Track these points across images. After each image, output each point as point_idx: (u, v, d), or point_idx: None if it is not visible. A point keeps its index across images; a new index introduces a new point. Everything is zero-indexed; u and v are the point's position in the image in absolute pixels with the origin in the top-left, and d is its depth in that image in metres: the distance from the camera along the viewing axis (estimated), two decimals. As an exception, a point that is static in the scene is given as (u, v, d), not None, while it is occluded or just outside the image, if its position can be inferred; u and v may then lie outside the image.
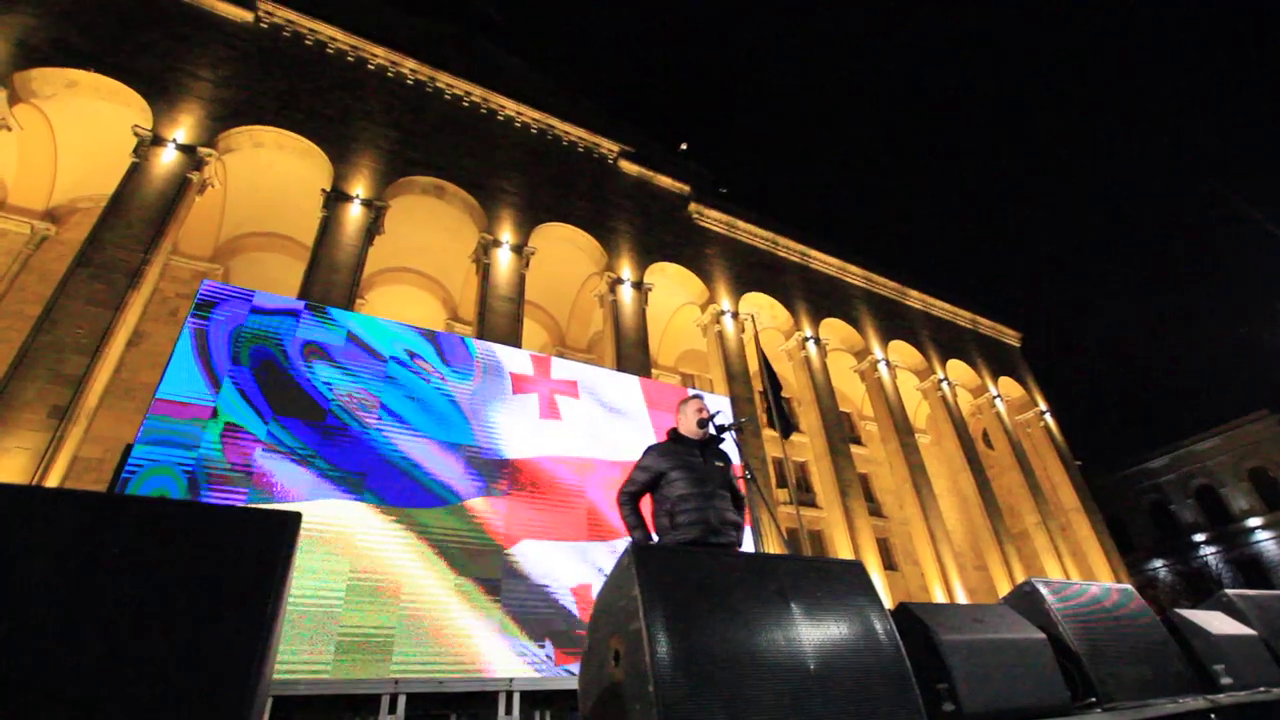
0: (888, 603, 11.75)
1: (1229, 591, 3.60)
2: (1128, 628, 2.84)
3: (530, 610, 6.40)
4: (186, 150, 12.71)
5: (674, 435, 3.91)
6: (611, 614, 1.94)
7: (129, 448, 5.61)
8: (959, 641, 2.27)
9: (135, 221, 11.60)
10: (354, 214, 14.16)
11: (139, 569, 1.31)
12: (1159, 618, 3.04)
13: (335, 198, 14.10)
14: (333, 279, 13.19)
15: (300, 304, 7.07)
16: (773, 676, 1.88)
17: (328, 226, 13.73)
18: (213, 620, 1.32)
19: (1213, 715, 2.13)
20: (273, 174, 15.43)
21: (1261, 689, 2.83)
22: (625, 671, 1.81)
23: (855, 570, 2.28)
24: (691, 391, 9.94)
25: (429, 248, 18.13)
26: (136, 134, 12.47)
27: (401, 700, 5.36)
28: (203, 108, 13.38)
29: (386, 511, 6.11)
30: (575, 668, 6.13)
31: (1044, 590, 2.76)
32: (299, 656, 5.16)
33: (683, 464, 3.64)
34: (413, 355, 7.26)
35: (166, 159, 12.41)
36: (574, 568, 6.87)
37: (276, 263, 17.43)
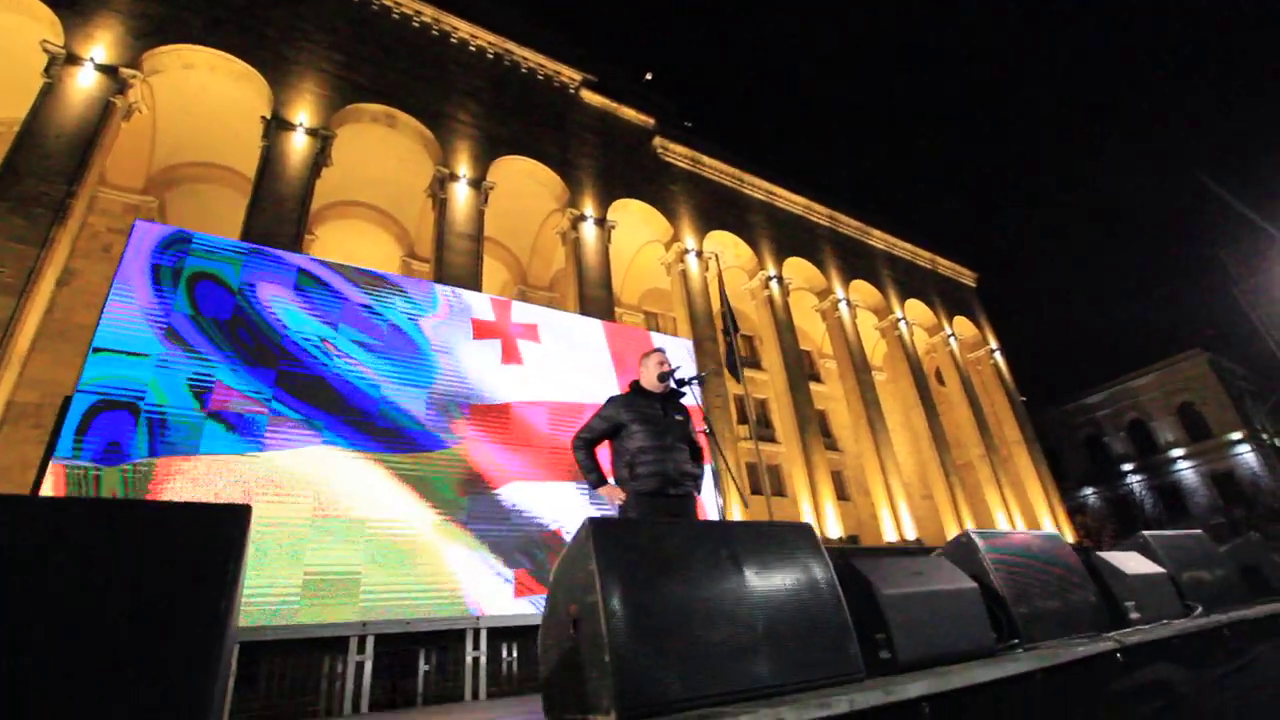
0: (839, 530, 12.41)
1: (1145, 533, 3.91)
2: (1051, 572, 3.08)
3: (494, 547, 6.54)
4: (107, 71, 11.60)
5: (635, 387, 3.92)
6: (570, 585, 1.98)
7: (68, 400, 5.38)
8: (896, 595, 2.41)
9: (55, 151, 10.67)
10: (298, 144, 13.30)
11: (86, 575, 1.27)
12: (1080, 560, 3.29)
13: (276, 126, 13.18)
14: (278, 213, 12.51)
15: (245, 245, 6.72)
16: (725, 638, 1.98)
17: (270, 157, 12.89)
18: (166, 624, 1.29)
19: (1119, 654, 2.33)
20: (206, 99, 14.26)
21: (1164, 621, 3.12)
22: (583, 640, 1.87)
23: (803, 532, 2.37)
24: (655, 338, 9.93)
25: (381, 181, 17.26)
26: (47, 50, 11.28)
27: (370, 640, 5.50)
28: (122, 23, 12.12)
29: (348, 453, 6.07)
30: (536, 600, 6.36)
31: (978, 540, 2.94)
32: (266, 597, 5.19)
33: (642, 416, 3.67)
34: (370, 300, 7.03)
35: (85, 81, 11.32)
36: (537, 508, 7.00)
37: (217, 195, 16.38)
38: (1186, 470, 33.47)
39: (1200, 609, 3.27)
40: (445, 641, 6.04)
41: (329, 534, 5.71)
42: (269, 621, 5.16)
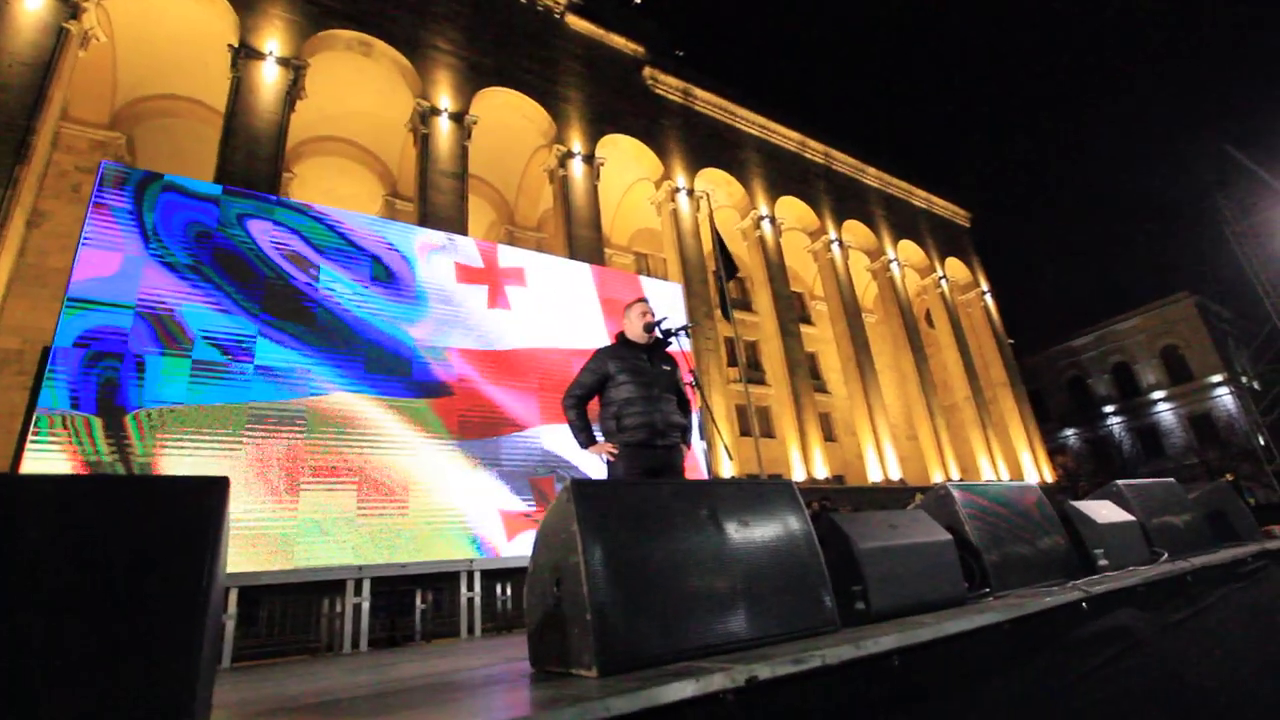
0: (825, 471, 12.71)
1: (1119, 482, 4.02)
2: (1026, 522, 3.17)
3: (488, 494, 6.65)
4: (56, -8, 10.84)
5: (621, 339, 3.88)
6: (552, 545, 2.01)
7: (48, 349, 5.29)
8: (873, 548, 2.47)
9: (10, 82, 10.09)
10: (269, 76, 12.64)
11: (63, 550, 1.27)
12: (1054, 509, 3.39)
13: (245, 54, 12.48)
14: (253, 151, 12.02)
15: (217, 188, 6.48)
16: (704, 595, 2.03)
17: (240, 90, 12.27)
18: (152, 595, 1.30)
19: (1084, 604, 2.43)
20: (167, 25, 13.40)
21: (1130, 569, 3.24)
22: (565, 599, 1.91)
23: (783, 489, 2.40)
24: (645, 283, 9.81)
25: (360, 115, 16.54)
26: (-11, -30, 10.49)
27: (366, 583, 5.66)
28: (67, -62, 11.23)
29: (336, 402, 6.06)
30: (523, 539, 6.53)
31: (955, 493, 3.01)
32: (258, 553, 5.28)
33: (629, 367, 3.64)
34: (353, 243, 6.85)
35: (32, 4, 10.58)
36: (529, 455, 7.08)
37: (187, 130, 15.65)
38: (1166, 412, 34.24)
39: (1165, 555, 3.40)
40: (441, 582, 6.23)
41: (322, 475, 5.77)
42: (265, 567, 5.27)
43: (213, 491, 1.49)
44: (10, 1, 10.44)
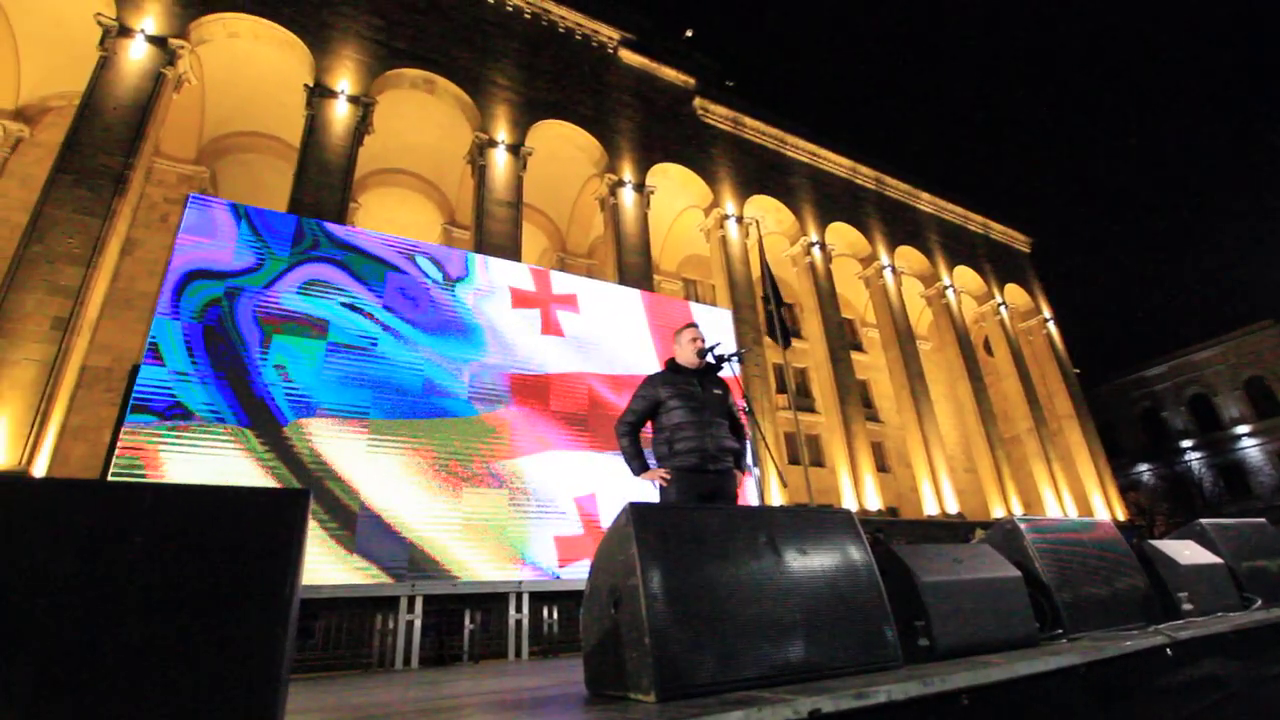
0: (878, 503, 12.31)
1: (1203, 521, 3.75)
2: (1101, 561, 2.99)
3: (538, 517, 6.71)
4: (157, 42, 11.86)
5: (672, 364, 3.90)
6: (610, 567, 2.03)
7: (136, 369, 5.68)
8: (937, 582, 2.39)
9: (113, 123, 11.05)
10: (340, 112, 13.44)
11: (160, 555, 1.37)
12: (1132, 548, 3.19)
13: (319, 93, 13.33)
14: (324, 182, 12.74)
15: (293, 219, 6.89)
16: (763, 623, 2.00)
17: (314, 126, 13.08)
18: (238, 601, 1.39)
19: (1168, 649, 2.28)
20: (252, 68, 14.48)
21: (1219, 614, 3.02)
22: (623, 620, 1.92)
23: (842, 518, 2.36)
24: (695, 309, 9.84)
25: (422, 147, 17.36)
26: (100, 23, 11.58)
27: (419, 600, 5.78)
28: (168, -8, 12.33)
29: (394, 428, 6.27)
30: (575, 569, 6.54)
31: (1023, 527, 2.88)
32: (319, 578, 5.46)
33: (680, 393, 3.65)
34: (412, 272, 7.15)
35: (136, 53, 11.61)
36: (579, 479, 7.14)
37: (264, 164, 16.76)
38: (1252, 448, 31.81)
39: (1260, 602, 3.15)
40: (489, 604, 6.31)
41: (374, 528, 5.96)
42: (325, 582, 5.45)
43: (297, 503, 1.58)
44: (118, 50, 11.48)
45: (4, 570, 1.23)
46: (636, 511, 1.99)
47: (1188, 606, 2.96)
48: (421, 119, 16.19)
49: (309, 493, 1.60)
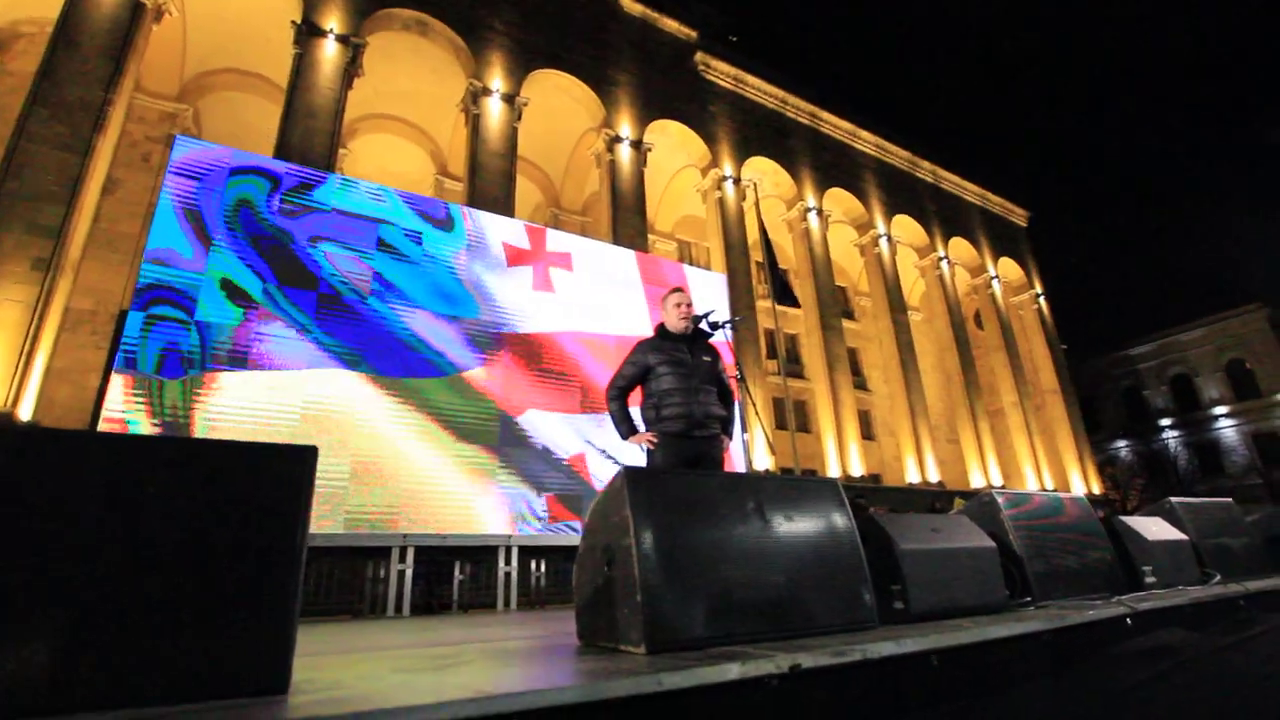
0: (861, 469, 12.57)
1: (1172, 499, 3.90)
2: (1072, 534, 3.12)
3: (527, 474, 6.82)
4: (135, -31, 11.30)
5: (661, 330, 3.90)
6: (605, 527, 2.09)
7: (124, 314, 5.62)
8: (915, 550, 2.49)
9: (89, 55, 10.60)
10: (329, 52, 12.96)
11: (176, 506, 1.41)
12: (1101, 523, 3.33)
13: (307, 32, 12.81)
14: (311, 125, 12.37)
15: (282, 166, 6.73)
16: (749, 583, 2.09)
17: (301, 66, 12.62)
18: (250, 548, 1.45)
19: (1128, 619, 2.40)
20: (235, 2, 13.86)
21: (1179, 588, 3.17)
22: (616, 578, 2.00)
23: (828, 486, 2.44)
24: (689, 272, 9.79)
25: (414, 93, 16.83)
26: (75, -54, 10.98)
27: (410, 551, 5.90)
28: (147, -85, 11.66)
29: (385, 384, 6.28)
30: (564, 526, 6.69)
31: (1000, 500, 2.98)
32: (312, 527, 5.54)
33: (669, 359, 3.65)
34: (404, 225, 7.05)
35: (114, -21, 11.07)
36: (568, 439, 7.22)
37: (250, 104, 16.20)
38: (1228, 429, 32.58)
39: (1218, 577, 3.31)
40: (479, 556, 6.46)
41: (368, 477, 6.01)
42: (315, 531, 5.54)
43: (305, 457, 1.62)
44: (94, -22, 10.92)
45: (39, 519, 1.27)
46: (631, 475, 2.04)
47: (1151, 580, 3.11)
48: (414, 63, 15.66)
49: (316, 449, 1.63)
